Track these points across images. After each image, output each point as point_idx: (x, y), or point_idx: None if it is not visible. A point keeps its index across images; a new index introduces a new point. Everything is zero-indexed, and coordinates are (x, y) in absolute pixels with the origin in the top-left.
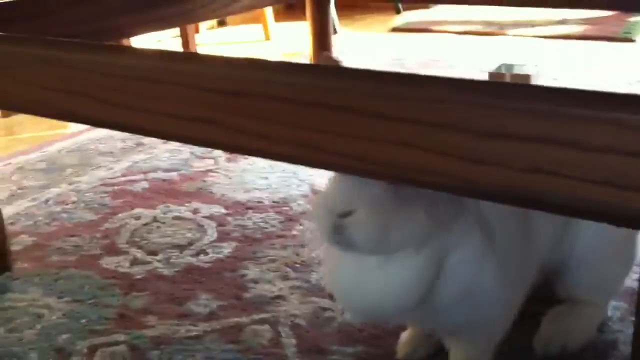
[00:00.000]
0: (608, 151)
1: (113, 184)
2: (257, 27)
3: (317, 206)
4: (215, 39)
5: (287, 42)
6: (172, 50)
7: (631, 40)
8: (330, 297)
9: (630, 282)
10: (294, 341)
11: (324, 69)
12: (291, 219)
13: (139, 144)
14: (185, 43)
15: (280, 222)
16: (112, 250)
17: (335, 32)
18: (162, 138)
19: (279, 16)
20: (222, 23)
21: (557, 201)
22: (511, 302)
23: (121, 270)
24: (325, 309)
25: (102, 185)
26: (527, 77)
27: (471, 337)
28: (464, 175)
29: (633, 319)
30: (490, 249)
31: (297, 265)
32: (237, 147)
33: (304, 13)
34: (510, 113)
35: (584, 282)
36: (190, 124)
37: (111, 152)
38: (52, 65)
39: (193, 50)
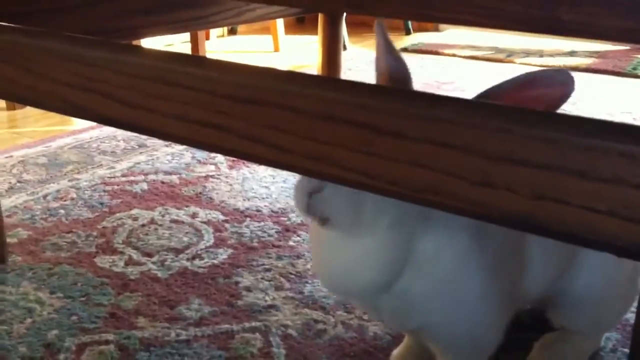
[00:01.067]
0: (615, 182)
1: (113, 183)
2: (267, 38)
3: (295, 187)
4: (224, 47)
5: (296, 54)
6: (186, 54)
7: (638, 77)
8: (323, 309)
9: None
10: (284, 351)
11: (339, 83)
12: (288, 230)
13: (142, 145)
14: (195, 48)
15: (278, 232)
16: (108, 249)
17: (345, 48)
18: (171, 140)
19: (289, 29)
20: (232, 31)
21: (561, 228)
22: (496, 315)
23: (115, 269)
24: (317, 321)
25: (101, 183)
26: None
27: (456, 349)
28: (469, 197)
29: (626, 350)
30: (477, 250)
31: (292, 276)
32: (246, 154)
33: (315, 27)
34: (519, 138)
35: (582, 316)
36: (200, 128)
37: (113, 152)
38: (65, 60)
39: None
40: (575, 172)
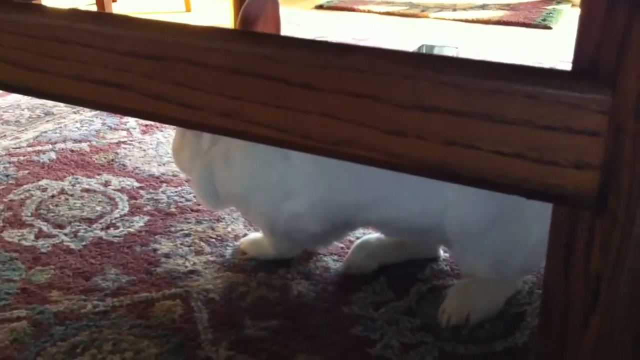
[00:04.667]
0: (521, 124)
1: (18, 154)
2: None
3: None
4: (132, 8)
5: (208, 14)
6: (81, 9)
7: (548, 28)
8: (245, 272)
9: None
10: (206, 316)
11: (246, 35)
12: None
13: (48, 114)
14: (101, 9)
15: (196, 196)
16: (16, 222)
17: None
18: (70, 103)
19: None
20: None
21: (473, 174)
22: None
23: (25, 243)
24: (239, 284)
25: (6, 155)
26: None
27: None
28: (382, 147)
29: (540, 291)
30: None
31: (212, 240)
32: (151, 114)
33: None
34: (428, 85)
35: (469, 256)
36: (102, 87)
37: (17, 121)
38: None
39: None
40: (483, 116)
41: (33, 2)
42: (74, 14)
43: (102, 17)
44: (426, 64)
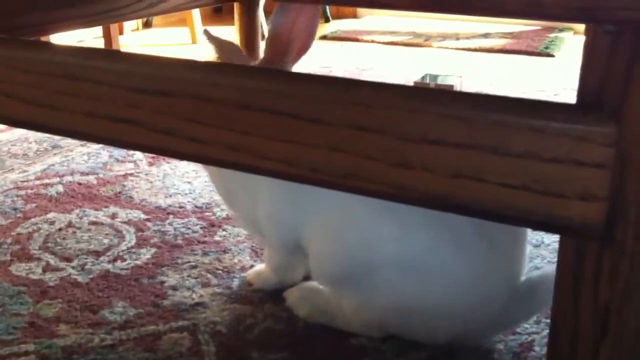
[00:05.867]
0: (527, 157)
1: (26, 187)
2: (184, 30)
3: None
4: (139, 41)
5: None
6: (92, 47)
7: (550, 56)
8: (252, 303)
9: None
10: (213, 349)
11: (253, 71)
12: (214, 225)
13: (56, 147)
14: (108, 44)
15: (202, 228)
16: (24, 256)
17: (263, 37)
18: (82, 139)
19: (206, 20)
20: (147, 24)
21: (479, 206)
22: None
23: (33, 277)
24: (246, 316)
25: (14, 188)
26: (450, 87)
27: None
28: (388, 179)
29: (548, 320)
30: None
31: (219, 272)
32: (161, 149)
33: (232, 17)
34: (433, 118)
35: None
36: (112, 124)
37: (25, 155)
38: None
39: None
40: (489, 148)
41: (41, 39)
42: (84, 51)
43: (112, 55)
44: (431, 98)
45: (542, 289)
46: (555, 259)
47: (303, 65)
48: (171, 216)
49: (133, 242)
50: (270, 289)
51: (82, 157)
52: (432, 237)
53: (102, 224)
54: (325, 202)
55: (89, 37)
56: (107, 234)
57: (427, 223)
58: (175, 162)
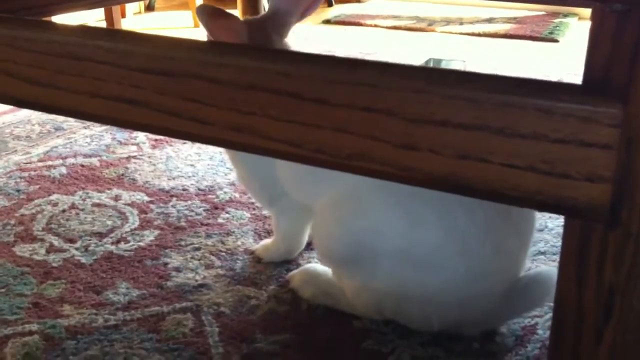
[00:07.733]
0: (533, 137)
1: (29, 169)
2: (186, 14)
3: None
4: (141, 24)
5: None
6: (94, 26)
7: (555, 41)
8: (255, 285)
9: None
10: (217, 329)
11: (257, 51)
12: (217, 207)
13: (58, 129)
14: (110, 26)
15: (206, 210)
16: (27, 237)
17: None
18: (84, 119)
19: (208, 3)
20: (150, 8)
21: (485, 187)
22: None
23: (36, 258)
24: (250, 297)
25: (17, 170)
26: None
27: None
28: (394, 161)
29: (551, 304)
30: None
31: (222, 254)
32: (165, 129)
33: (234, 1)
34: (439, 99)
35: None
36: (115, 104)
37: (28, 137)
38: None
39: None
40: (495, 129)
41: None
42: (87, 30)
43: (115, 34)
44: (437, 79)
45: (538, 287)
46: (559, 243)
47: (306, 50)
48: (174, 198)
49: (136, 224)
50: (279, 259)
51: (84, 139)
52: (439, 238)
53: (105, 205)
54: (341, 179)
55: (92, 20)
56: (110, 216)
57: (436, 224)
58: (179, 145)
